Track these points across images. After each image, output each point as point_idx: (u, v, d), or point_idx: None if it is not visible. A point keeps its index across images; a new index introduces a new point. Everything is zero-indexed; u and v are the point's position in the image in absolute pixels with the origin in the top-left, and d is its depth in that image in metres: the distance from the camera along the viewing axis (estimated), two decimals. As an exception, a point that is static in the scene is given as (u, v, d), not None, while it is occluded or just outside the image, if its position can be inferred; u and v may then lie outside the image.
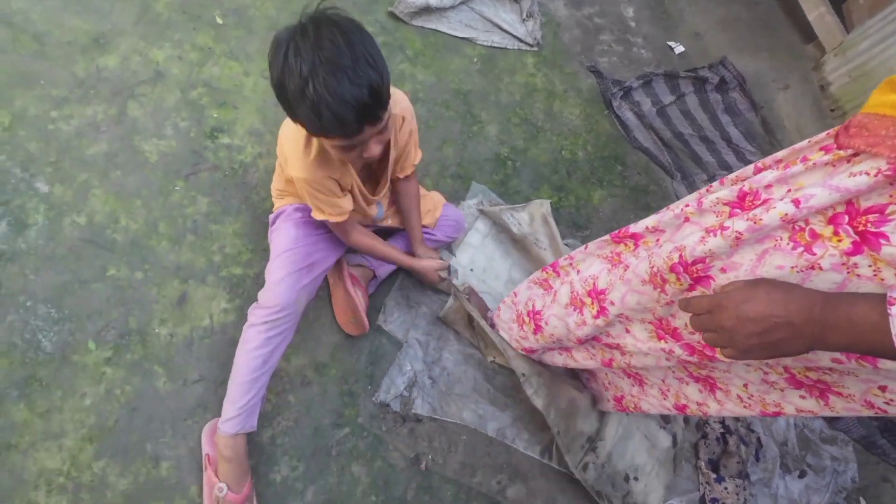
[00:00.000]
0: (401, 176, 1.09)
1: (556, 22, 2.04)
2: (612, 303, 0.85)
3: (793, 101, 2.15)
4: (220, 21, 1.47)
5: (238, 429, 0.96)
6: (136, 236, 1.16)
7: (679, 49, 2.19)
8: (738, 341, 0.54)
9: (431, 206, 1.28)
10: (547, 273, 1.08)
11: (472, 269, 1.43)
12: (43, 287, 1.05)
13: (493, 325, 1.25)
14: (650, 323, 0.83)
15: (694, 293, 0.71)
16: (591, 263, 0.96)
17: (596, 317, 0.89)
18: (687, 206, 0.77)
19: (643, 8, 2.26)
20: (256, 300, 1.02)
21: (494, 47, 1.86)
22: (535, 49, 1.92)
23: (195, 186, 1.25)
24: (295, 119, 0.76)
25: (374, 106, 0.71)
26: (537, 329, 1.06)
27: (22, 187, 1.12)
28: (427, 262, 1.22)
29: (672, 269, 0.70)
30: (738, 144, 1.97)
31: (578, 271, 0.98)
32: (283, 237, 1.05)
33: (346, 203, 0.96)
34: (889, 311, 0.44)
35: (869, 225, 0.54)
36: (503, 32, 1.89)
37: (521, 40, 1.90)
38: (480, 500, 1.18)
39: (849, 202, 0.57)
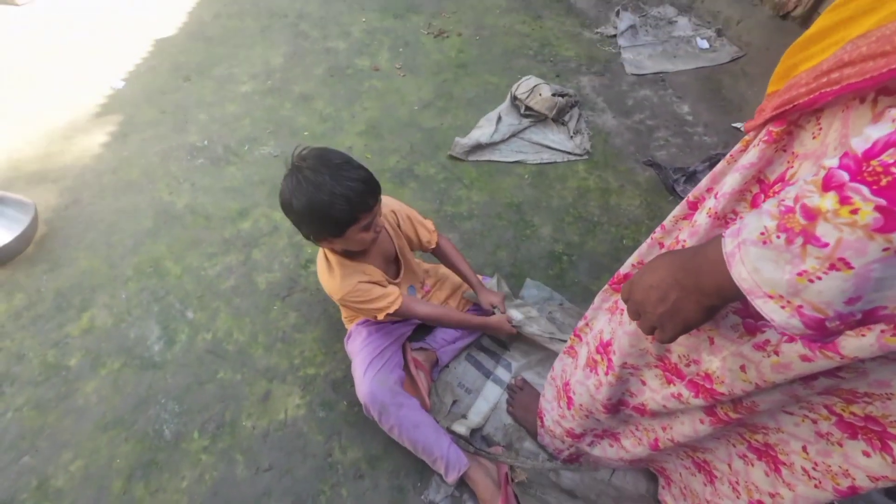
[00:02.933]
0: (431, 247, 1.30)
1: (606, 132, 2.21)
2: (614, 352, 0.81)
3: None
4: (321, 186, 1.98)
5: (455, 474, 1.12)
6: (241, 346, 1.46)
7: (748, 127, 2.13)
8: (650, 315, 0.54)
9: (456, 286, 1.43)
10: (572, 340, 1.05)
11: (527, 361, 1.41)
12: (174, 388, 1.37)
13: (542, 414, 1.18)
14: (655, 367, 0.76)
15: None
16: (600, 318, 0.93)
17: (606, 373, 0.84)
18: (655, 232, 0.77)
19: (698, 101, 2.32)
20: (330, 397, 1.28)
21: (544, 163, 2.07)
22: (586, 157, 2.08)
23: (288, 305, 1.57)
24: (323, 234, 0.99)
25: (375, 183, 0.98)
26: (569, 403, 0.99)
27: (177, 315, 1.55)
28: (496, 318, 1.32)
29: None
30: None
31: (592, 329, 0.95)
32: (357, 340, 1.25)
33: (392, 289, 1.14)
34: (723, 239, 0.43)
35: (773, 195, 0.52)
36: (552, 150, 2.11)
37: (570, 153, 2.09)
38: None
39: (760, 181, 0.55)
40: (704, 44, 2.58)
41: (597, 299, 0.96)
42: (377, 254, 1.18)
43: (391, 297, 1.12)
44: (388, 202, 1.21)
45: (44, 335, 1.50)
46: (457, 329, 1.37)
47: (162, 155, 2.14)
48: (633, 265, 0.84)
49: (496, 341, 1.46)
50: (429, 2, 3.34)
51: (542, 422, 1.17)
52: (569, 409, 1.00)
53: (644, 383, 0.81)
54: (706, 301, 0.48)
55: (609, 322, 0.86)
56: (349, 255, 1.11)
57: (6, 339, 1.49)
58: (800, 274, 0.36)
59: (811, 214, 0.35)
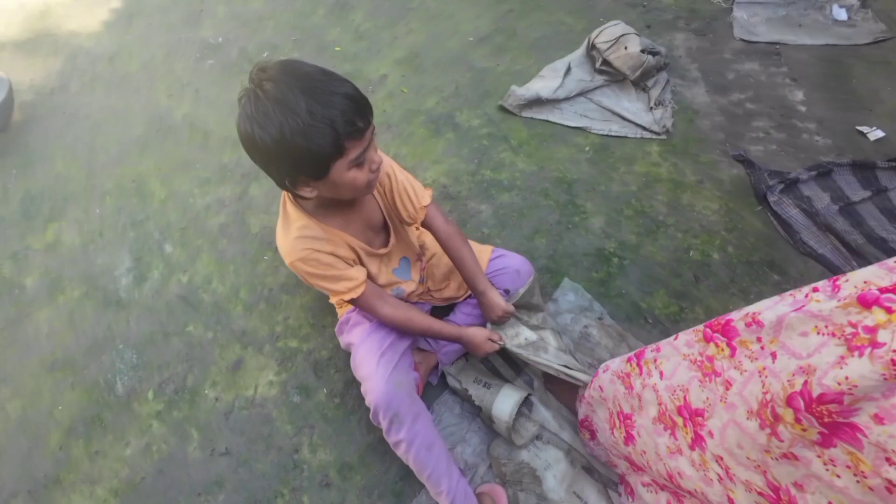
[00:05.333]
0: (417, 225, 0.99)
1: (693, 109, 1.80)
2: (710, 433, 0.59)
3: None
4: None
5: None
6: (219, 299, 1.25)
7: (877, 134, 1.70)
8: None
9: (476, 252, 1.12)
10: (630, 366, 0.80)
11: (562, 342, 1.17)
12: (136, 334, 1.18)
13: (593, 428, 0.95)
14: (758, 492, 0.52)
15: (831, 451, 0.44)
16: (677, 366, 0.68)
17: (692, 446, 0.62)
18: (815, 290, 0.48)
19: (817, 90, 1.87)
20: (309, 381, 1.02)
21: (611, 136, 1.70)
22: (663, 137, 1.70)
23: (279, 259, 1.34)
24: (299, 175, 0.71)
25: (365, 100, 0.70)
26: (628, 439, 0.77)
27: (153, 247, 1.33)
28: (474, 330, 1.01)
29: (789, 400, 0.43)
30: None
31: (662, 373, 0.70)
32: (357, 331, 0.99)
33: (356, 273, 0.88)
34: None
35: None
36: (624, 121, 1.73)
37: (644, 128, 1.71)
38: None
39: None
40: (842, 14, 2.06)
41: (681, 336, 0.69)
42: (358, 217, 0.90)
43: (353, 283, 0.85)
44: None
45: (3, 242, 1.31)
46: (422, 336, 1.09)
47: (167, 48, 1.83)
48: (747, 315, 0.57)
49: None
50: None
51: (592, 435, 0.96)
52: (626, 445, 0.78)
53: (731, 502, 0.57)
54: None
55: (700, 386, 0.61)
56: (323, 209, 0.84)
57: (-39, 240, 1.31)
58: None
59: None
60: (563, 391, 1.14)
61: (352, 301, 0.88)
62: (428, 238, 1.15)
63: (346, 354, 1.17)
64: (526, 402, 1.08)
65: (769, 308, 0.55)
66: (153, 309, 1.22)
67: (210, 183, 1.47)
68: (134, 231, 1.36)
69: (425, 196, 0.97)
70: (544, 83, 1.75)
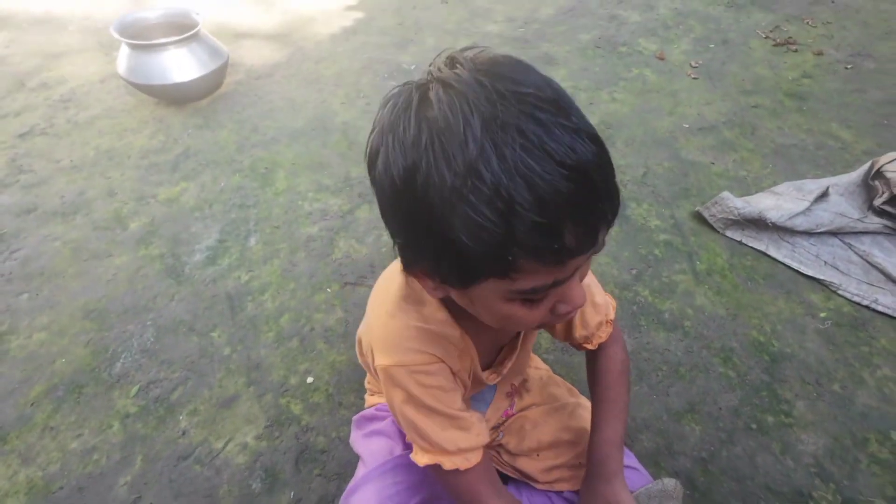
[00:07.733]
0: (587, 347, 0.59)
1: None
2: None
3: None
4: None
5: None
6: (259, 314, 1.06)
7: None
8: None
9: None
10: None
11: None
12: (168, 316, 1.06)
13: None
14: None
15: None
16: None
17: None
18: None
19: None
20: (283, 470, 0.72)
21: (874, 310, 1.05)
22: None
23: (342, 296, 1.09)
24: (422, 258, 0.36)
25: (607, 184, 0.31)
26: None
27: (241, 236, 1.23)
28: None
29: None
30: None
31: None
32: (372, 446, 0.64)
33: (478, 425, 0.50)
34: None
35: None
36: (907, 297, 1.07)
37: (949, 322, 1.01)
38: None
39: None
40: None
41: None
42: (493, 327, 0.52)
43: (468, 441, 0.49)
44: None
45: (143, 184, 1.38)
46: None
47: (365, 63, 1.87)
48: None
49: None
50: (794, 0, 2.29)
51: None
52: None
53: None
54: None
55: None
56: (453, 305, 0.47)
57: (118, 171, 1.42)
58: None
59: None
60: None
61: (437, 470, 0.49)
62: (534, 376, 0.74)
63: (345, 453, 0.84)
64: None
65: None
66: (199, 296, 1.10)
67: (326, 191, 1.35)
68: (237, 213, 1.29)
69: (610, 307, 0.59)
70: (778, 202, 1.21)
